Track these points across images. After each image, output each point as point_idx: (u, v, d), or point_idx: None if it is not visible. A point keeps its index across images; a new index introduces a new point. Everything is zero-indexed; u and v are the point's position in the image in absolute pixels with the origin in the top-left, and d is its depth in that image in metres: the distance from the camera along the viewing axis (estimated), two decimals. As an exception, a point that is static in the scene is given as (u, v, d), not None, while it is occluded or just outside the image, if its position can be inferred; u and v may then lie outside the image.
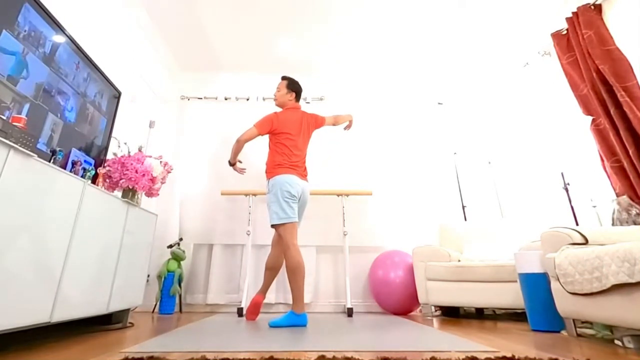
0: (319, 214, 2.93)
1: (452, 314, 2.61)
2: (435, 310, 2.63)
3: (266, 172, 2.27)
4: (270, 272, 2.27)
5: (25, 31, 1.55)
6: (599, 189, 2.37)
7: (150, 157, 2.17)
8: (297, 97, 2.48)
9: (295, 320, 1.94)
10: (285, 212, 2.08)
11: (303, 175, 2.29)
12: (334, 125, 2.62)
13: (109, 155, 2.20)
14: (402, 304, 2.65)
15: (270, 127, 2.29)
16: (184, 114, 3.47)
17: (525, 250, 2.03)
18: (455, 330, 1.87)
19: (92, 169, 1.77)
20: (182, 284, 2.80)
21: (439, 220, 3.16)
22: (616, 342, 1.42)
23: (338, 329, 1.87)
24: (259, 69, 3.57)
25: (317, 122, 2.50)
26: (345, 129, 2.65)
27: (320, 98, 3.54)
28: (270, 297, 2.71)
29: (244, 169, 2.55)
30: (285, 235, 2.09)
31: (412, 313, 2.72)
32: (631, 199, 2.08)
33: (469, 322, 2.22)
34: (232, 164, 2.46)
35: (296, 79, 2.52)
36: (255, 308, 2.24)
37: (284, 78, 2.49)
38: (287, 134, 2.28)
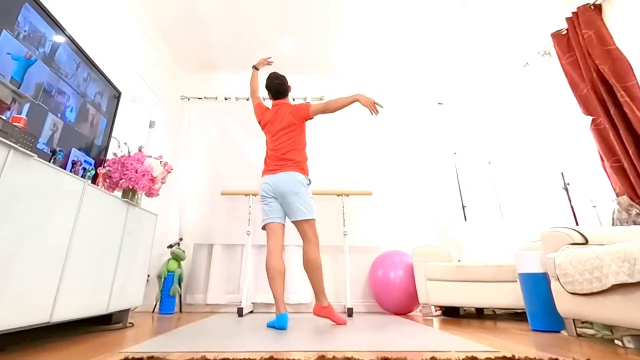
0: (319, 214, 2.92)
1: (452, 314, 2.61)
2: (435, 310, 2.63)
3: None
4: (305, 269, 2.09)
5: (25, 31, 1.56)
6: (599, 189, 2.37)
7: (150, 157, 2.17)
8: (272, 95, 2.36)
9: (275, 321, 1.89)
10: (265, 214, 2.14)
11: (272, 169, 2.14)
12: (329, 112, 2.22)
13: (109, 155, 2.20)
14: (402, 304, 2.65)
15: (258, 116, 2.38)
16: (183, 114, 3.48)
17: (525, 250, 2.03)
18: (455, 330, 1.87)
19: (92, 169, 1.78)
20: (182, 284, 2.80)
21: (439, 220, 3.16)
22: (616, 342, 1.42)
23: (338, 329, 1.87)
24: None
25: (295, 111, 2.22)
26: (373, 113, 2.18)
27: (320, 98, 3.52)
28: (270, 296, 2.70)
29: (268, 57, 2.65)
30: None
31: (412, 313, 2.72)
32: (631, 199, 2.08)
33: (469, 322, 2.22)
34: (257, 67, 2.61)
35: (282, 75, 2.39)
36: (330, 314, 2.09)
37: None
38: (267, 134, 2.31)
